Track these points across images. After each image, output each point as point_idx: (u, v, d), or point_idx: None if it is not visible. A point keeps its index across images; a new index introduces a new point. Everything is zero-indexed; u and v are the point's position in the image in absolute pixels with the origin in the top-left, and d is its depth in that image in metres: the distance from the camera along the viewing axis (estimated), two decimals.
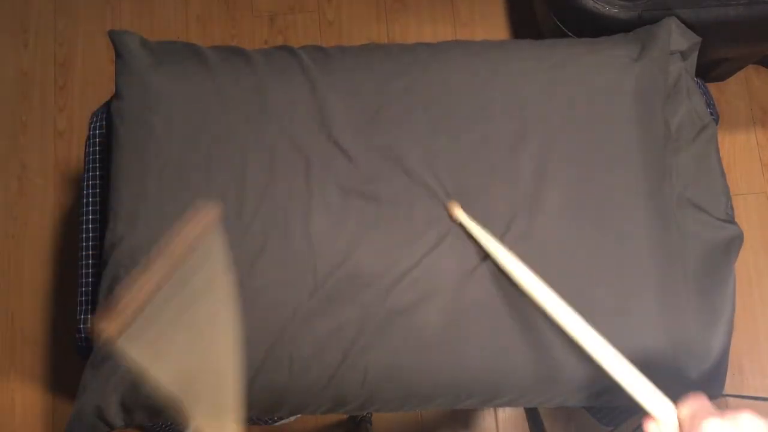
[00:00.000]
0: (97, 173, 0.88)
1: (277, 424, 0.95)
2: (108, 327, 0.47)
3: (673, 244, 0.78)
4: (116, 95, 0.83)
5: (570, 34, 1.10)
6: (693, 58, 0.88)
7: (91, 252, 0.86)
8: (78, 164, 1.36)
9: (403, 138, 0.80)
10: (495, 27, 1.43)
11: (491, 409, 1.23)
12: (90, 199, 0.87)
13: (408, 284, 0.75)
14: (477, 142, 0.80)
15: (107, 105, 0.89)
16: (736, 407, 0.43)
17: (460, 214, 0.76)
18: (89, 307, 0.84)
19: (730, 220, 0.83)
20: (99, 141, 0.89)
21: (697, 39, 0.88)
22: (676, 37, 0.85)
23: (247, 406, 0.75)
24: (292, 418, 0.95)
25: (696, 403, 0.46)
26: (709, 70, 1.27)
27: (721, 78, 1.34)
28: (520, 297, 0.75)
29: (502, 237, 0.76)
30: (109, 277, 0.77)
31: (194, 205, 0.77)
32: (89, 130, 0.90)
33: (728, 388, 0.92)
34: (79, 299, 0.85)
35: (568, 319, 0.60)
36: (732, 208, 0.84)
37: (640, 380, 0.53)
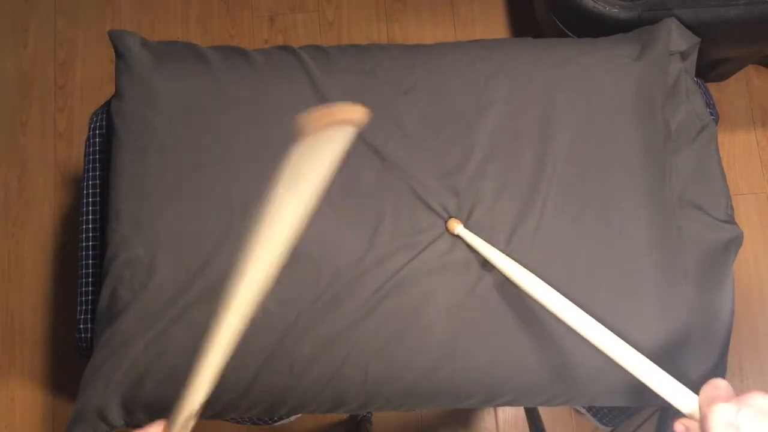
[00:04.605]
0: (97, 173, 0.88)
1: (277, 424, 0.95)
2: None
3: (672, 244, 0.78)
4: (116, 95, 0.83)
5: (570, 34, 1.10)
6: (693, 58, 0.88)
7: (91, 252, 0.86)
8: (78, 164, 1.36)
9: (403, 139, 0.80)
10: (495, 27, 1.43)
11: (491, 409, 1.23)
12: (90, 199, 0.87)
13: (409, 285, 0.75)
14: (477, 143, 0.80)
15: (107, 105, 0.89)
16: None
17: (460, 229, 0.76)
18: (89, 307, 0.84)
19: (730, 221, 0.83)
20: (99, 141, 0.89)
21: (697, 39, 0.88)
22: (675, 37, 0.85)
23: (247, 406, 0.76)
24: (292, 418, 0.95)
25: (711, 388, 0.47)
26: (709, 70, 1.27)
27: (721, 78, 1.34)
28: (520, 297, 0.75)
29: (500, 237, 0.76)
30: (110, 278, 0.76)
31: (194, 204, 0.78)
32: (89, 130, 0.90)
33: None
34: (79, 299, 0.85)
35: (579, 320, 0.59)
36: (732, 209, 0.84)
37: (660, 375, 0.53)
